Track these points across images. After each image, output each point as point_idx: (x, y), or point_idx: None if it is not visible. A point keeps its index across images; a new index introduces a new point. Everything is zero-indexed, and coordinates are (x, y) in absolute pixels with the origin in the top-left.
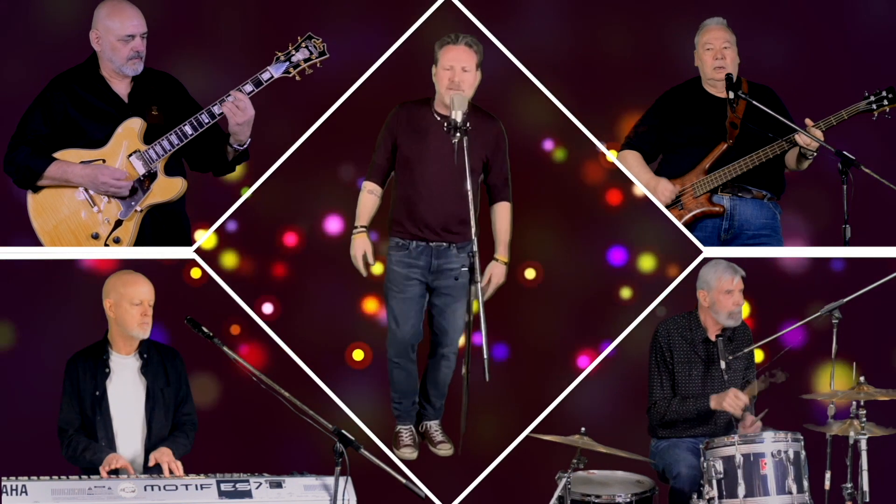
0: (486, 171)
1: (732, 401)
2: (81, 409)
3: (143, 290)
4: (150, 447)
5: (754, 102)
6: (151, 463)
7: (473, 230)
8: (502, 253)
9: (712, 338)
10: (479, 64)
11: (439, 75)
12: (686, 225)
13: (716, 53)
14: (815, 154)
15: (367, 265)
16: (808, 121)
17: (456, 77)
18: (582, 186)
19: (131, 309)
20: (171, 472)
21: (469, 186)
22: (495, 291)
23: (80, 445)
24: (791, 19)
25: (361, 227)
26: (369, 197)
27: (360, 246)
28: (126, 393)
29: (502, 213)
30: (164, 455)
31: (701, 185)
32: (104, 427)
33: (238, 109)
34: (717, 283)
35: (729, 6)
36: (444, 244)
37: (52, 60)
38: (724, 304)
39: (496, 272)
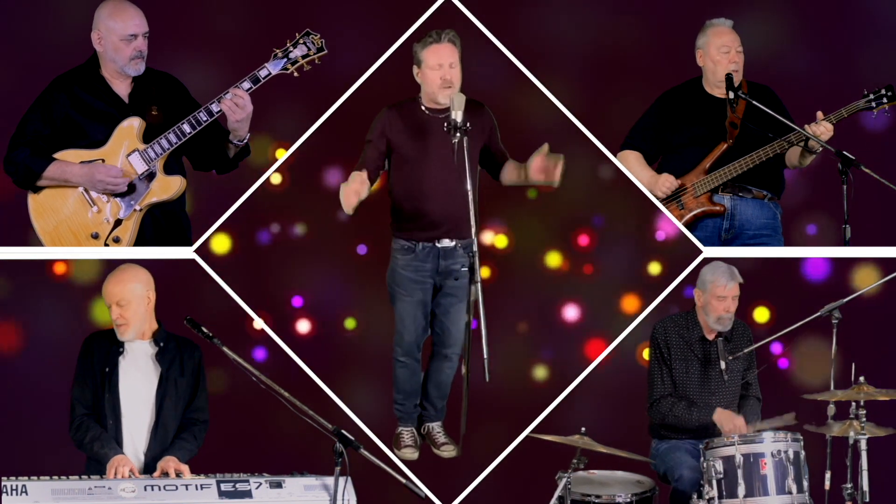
0: (485, 156)
1: (734, 429)
2: (94, 386)
3: (110, 291)
4: (156, 435)
5: (754, 102)
6: (157, 473)
7: (473, 230)
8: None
9: (709, 337)
10: (461, 56)
11: (427, 75)
12: (686, 225)
13: (732, 58)
14: (821, 150)
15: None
16: (819, 114)
17: (447, 75)
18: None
19: (108, 310)
20: (178, 475)
21: (469, 186)
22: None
23: (88, 433)
24: (792, 16)
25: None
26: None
27: (354, 182)
28: (138, 374)
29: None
30: (169, 462)
31: (701, 184)
32: (112, 406)
33: (237, 107)
34: (711, 287)
35: (731, 5)
36: (451, 244)
37: (53, 61)
38: (715, 308)
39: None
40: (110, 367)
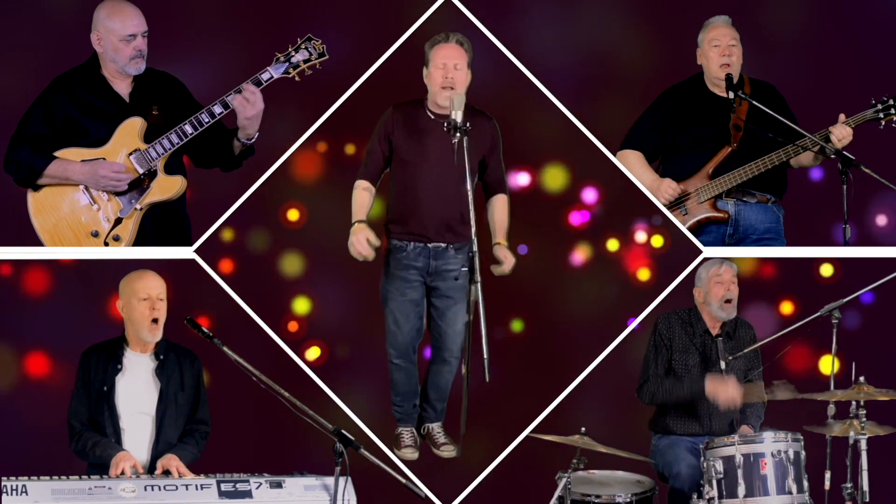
0: (482, 169)
1: (728, 396)
2: (90, 402)
3: (149, 285)
4: (156, 452)
5: (756, 104)
6: (159, 471)
7: (473, 230)
8: (502, 237)
9: (713, 332)
10: (470, 63)
11: (432, 74)
12: (690, 230)
13: (722, 51)
14: (833, 155)
15: (372, 248)
16: (841, 116)
17: (449, 74)
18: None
19: (139, 305)
20: (179, 476)
21: (469, 187)
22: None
23: (89, 441)
24: (797, 23)
25: (359, 220)
26: (364, 193)
27: (361, 232)
28: (137, 391)
29: (501, 204)
30: (171, 461)
31: (705, 190)
32: (111, 424)
33: (248, 103)
34: (707, 275)
35: (734, 8)
36: (442, 245)
37: (53, 61)
38: (716, 292)
39: (506, 254)
40: (108, 387)
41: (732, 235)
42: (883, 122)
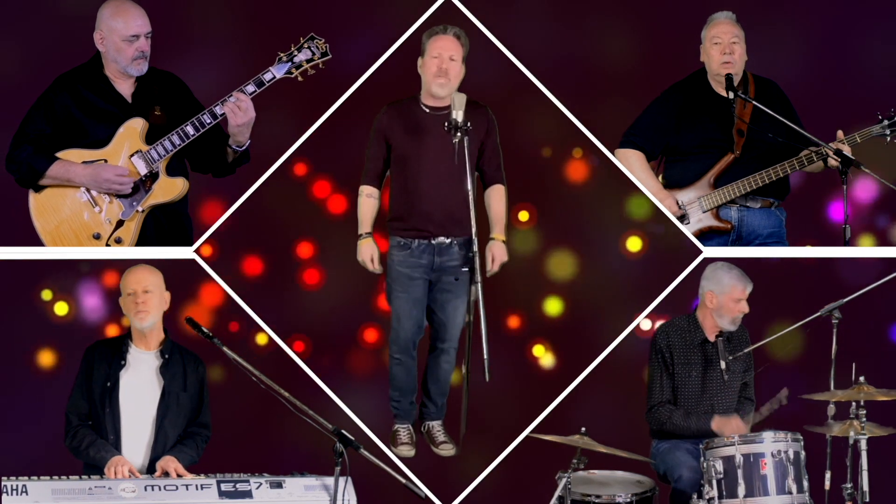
0: (478, 156)
1: (732, 431)
2: (90, 398)
3: (132, 279)
4: (156, 450)
5: (760, 106)
6: (158, 473)
7: (473, 230)
8: (499, 232)
9: (711, 339)
10: (465, 58)
11: (426, 64)
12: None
13: (724, 48)
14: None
15: (377, 268)
16: (839, 133)
17: (444, 65)
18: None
19: (125, 300)
20: (178, 477)
21: (469, 186)
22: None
23: (84, 440)
24: (802, 29)
25: (366, 233)
26: (368, 201)
27: (368, 251)
28: (140, 388)
29: (497, 195)
30: (169, 463)
31: (708, 200)
32: (112, 420)
33: (239, 110)
34: (731, 290)
35: (739, 10)
36: (446, 241)
37: (56, 59)
38: (732, 310)
39: (497, 251)
40: (112, 382)
41: (735, 242)
42: (889, 138)
